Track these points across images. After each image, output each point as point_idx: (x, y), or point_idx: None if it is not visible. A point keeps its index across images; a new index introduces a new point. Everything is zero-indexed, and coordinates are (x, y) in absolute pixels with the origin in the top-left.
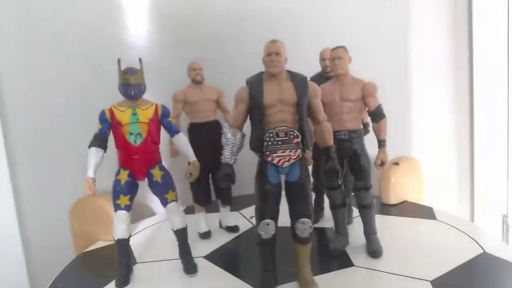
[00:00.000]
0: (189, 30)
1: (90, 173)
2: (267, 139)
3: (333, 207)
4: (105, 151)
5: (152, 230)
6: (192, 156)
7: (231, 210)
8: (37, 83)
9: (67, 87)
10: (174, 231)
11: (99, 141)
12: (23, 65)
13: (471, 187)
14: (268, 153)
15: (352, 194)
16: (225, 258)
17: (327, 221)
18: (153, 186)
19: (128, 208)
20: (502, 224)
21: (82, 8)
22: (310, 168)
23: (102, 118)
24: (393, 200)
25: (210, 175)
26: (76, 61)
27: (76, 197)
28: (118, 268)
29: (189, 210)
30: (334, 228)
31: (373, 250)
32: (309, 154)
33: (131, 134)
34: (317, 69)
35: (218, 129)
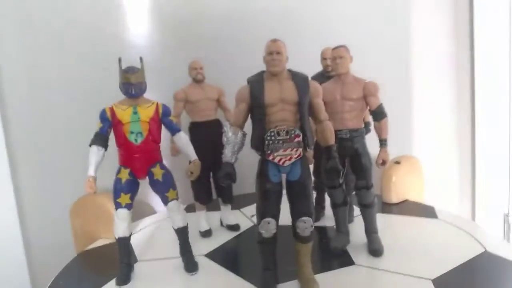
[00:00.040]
0: (189, 29)
1: (91, 172)
2: (268, 138)
3: (334, 206)
4: (105, 150)
5: (153, 229)
6: (193, 155)
7: (232, 209)
8: (38, 83)
9: (68, 86)
10: (175, 229)
11: (100, 139)
12: (24, 64)
13: (472, 186)
14: (269, 152)
15: (353, 193)
16: (226, 257)
17: (328, 220)
18: (154, 185)
19: (129, 206)
20: (503, 223)
21: (83, 8)
22: (311, 167)
23: (103, 116)
24: (394, 199)
25: (211, 173)
26: (76, 61)
27: (77, 196)
28: (119, 267)
29: (190, 209)
30: (335, 227)
31: (374, 249)
32: (310, 153)
33: (132, 133)
34: (318, 68)
35: (219, 128)
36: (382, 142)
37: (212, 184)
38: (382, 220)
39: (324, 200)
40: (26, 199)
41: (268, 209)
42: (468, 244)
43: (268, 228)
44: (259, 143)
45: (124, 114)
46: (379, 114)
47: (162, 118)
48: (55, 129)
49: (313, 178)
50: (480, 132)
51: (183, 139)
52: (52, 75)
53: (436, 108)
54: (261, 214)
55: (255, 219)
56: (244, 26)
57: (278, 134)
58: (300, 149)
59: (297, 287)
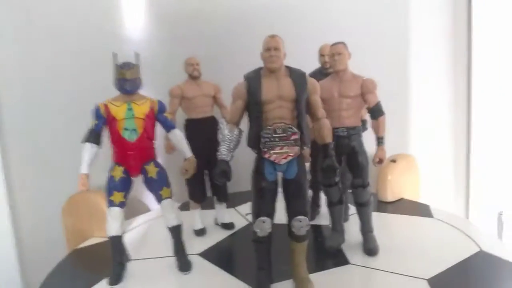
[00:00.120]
0: (186, 25)
1: (84, 169)
2: (265, 135)
3: (330, 204)
4: (99, 147)
5: (146, 227)
6: (188, 152)
7: (227, 207)
8: (32, 80)
9: (62, 83)
10: (168, 228)
11: (93, 136)
12: (18, 62)
13: (467, 185)
14: (265, 149)
15: (349, 191)
16: (220, 256)
17: (323, 218)
18: (148, 183)
19: (122, 204)
20: (497, 221)
21: (79, 3)
22: (307, 165)
23: (96, 113)
24: (390, 198)
25: (206, 171)
26: (71, 58)
27: (69, 194)
28: (111, 265)
29: (184, 207)
30: (330, 225)
31: (370, 248)
32: (306, 151)
33: (126, 129)
34: (316, 65)
35: (215, 125)
36: (379, 140)
37: (207, 182)
38: (377, 219)
39: (319, 198)
40: (18, 197)
41: (263, 207)
42: (463, 243)
43: (263, 227)
44: (255, 141)
45: (119, 110)
46: (376, 111)
47: (157, 115)
48: (48, 126)
49: (309, 176)
50: (475, 131)
51: (178, 136)
52: (46, 73)
53: (432, 107)
54: (256, 213)
55: (250, 217)
56: (241, 22)
57: (275, 131)
58: (297, 147)
59: (291, 286)
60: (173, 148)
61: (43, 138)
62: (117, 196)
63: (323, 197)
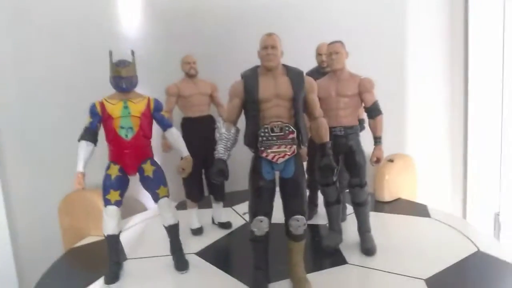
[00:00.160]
0: (183, 23)
1: (80, 168)
2: (262, 134)
3: (327, 204)
4: (95, 145)
5: (143, 226)
6: (185, 151)
7: (224, 206)
8: (27, 79)
9: (57, 82)
10: (165, 227)
11: (89, 134)
12: (13, 60)
13: (464, 185)
14: (262, 148)
15: (347, 191)
16: (217, 255)
17: (321, 218)
18: (145, 181)
19: (118, 203)
20: (493, 222)
21: (75, 1)
22: (304, 164)
23: (92, 111)
24: (387, 197)
25: (203, 170)
26: (67, 56)
27: (65, 192)
28: (107, 264)
29: (181, 206)
30: (327, 225)
31: (367, 248)
32: (304, 150)
33: (122, 128)
34: (314, 64)
35: (212, 124)
36: (377, 140)
37: (204, 181)
38: (375, 219)
39: (317, 198)
40: (14, 195)
41: (260, 207)
42: (461, 244)
43: (261, 226)
44: (252, 140)
45: (115, 108)
46: (374, 111)
47: (153, 113)
48: (43, 125)
49: (306, 175)
50: (472, 132)
51: (175, 135)
52: (42, 71)
53: (429, 107)
54: (254, 212)
55: (247, 217)
56: (239, 21)
57: (272, 130)
58: (294, 146)
59: (289, 286)
60: (170, 147)
61: (38, 136)
62: (114, 195)
63: (320, 197)
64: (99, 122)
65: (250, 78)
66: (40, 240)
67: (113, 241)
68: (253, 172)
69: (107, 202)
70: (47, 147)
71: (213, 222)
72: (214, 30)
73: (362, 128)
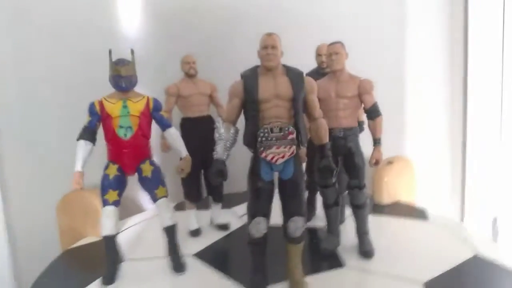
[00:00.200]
0: (183, 23)
1: (78, 167)
2: (261, 134)
3: (326, 206)
4: (93, 144)
5: (141, 227)
6: (184, 151)
7: (223, 208)
8: (27, 79)
9: (57, 82)
10: (163, 228)
11: (88, 134)
12: (13, 60)
13: (462, 189)
14: (262, 149)
15: (345, 192)
16: (215, 257)
17: (319, 220)
18: (143, 182)
19: (116, 203)
20: (492, 226)
21: (75, 1)
22: (304, 165)
23: (91, 110)
24: (386, 200)
25: (202, 171)
26: (66, 55)
27: (63, 192)
28: (105, 265)
29: (179, 207)
30: (326, 227)
31: (365, 251)
32: (303, 151)
33: (121, 127)
34: (312, 65)
35: (211, 124)
36: (376, 141)
37: (203, 181)
38: (373, 221)
39: (315, 200)
40: (12, 195)
41: (259, 208)
42: (459, 248)
43: (259, 228)
44: (251, 140)
45: (114, 107)
46: (373, 112)
47: (152, 113)
48: (42, 125)
49: (305, 177)
50: (471, 135)
51: (174, 135)
52: (41, 71)
53: (429, 109)
54: (252, 214)
55: (245, 218)
56: (239, 21)
57: (272, 131)
58: (294, 147)
59: None
60: (169, 147)
61: (37, 136)
62: (112, 195)
63: (319, 199)
64: (98, 121)
65: (250, 78)
66: (38, 240)
67: (111, 241)
68: (252, 173)
69: (105, 202)
70: (46, 147)
71: (211, 223)
72: (214, 30)
73: (361, 129)
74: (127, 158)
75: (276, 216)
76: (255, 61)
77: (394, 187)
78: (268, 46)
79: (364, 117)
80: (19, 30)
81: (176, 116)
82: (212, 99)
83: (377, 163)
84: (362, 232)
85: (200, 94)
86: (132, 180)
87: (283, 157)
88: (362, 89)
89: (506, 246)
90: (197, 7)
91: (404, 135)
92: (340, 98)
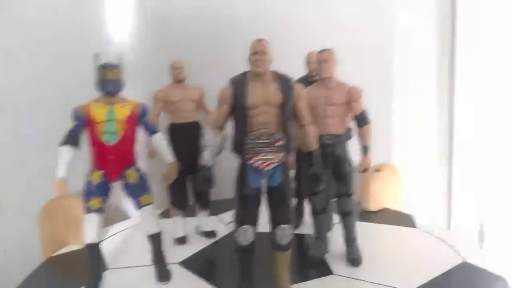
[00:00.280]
0: (173, 28)
1: (60, 173)
2: (249, 141)
3: (313, 213)
4: (77, 150)
5: (125, 235)
6: (170, 157)
7: (210, 215)
8: (10, 83)
9: (41, 86)
10: (148, 236)
11: (71, 139)
12: None
13: (449, 196)
14: (249, 156)
15: (333, 200)
16: (201, 265)
17: (307, 227)
18: (128, 188)
19: (99, 211)
20: (478, 233)
21: (65, 5)
22: (292, 173)
23: (75, 115)
24: (373, 207)
25: (189, 177)
26: (52, 62)
27: (46, 199)
28: (88, 274)
29: (165, 214)
30: (314, 234)
31: (353, 258)
32: (291, 158)
33: (106, 133)
34: (302, 73)
35: (199, 130)
36: (365, 149)
37: (189, 188)
38: (360, 229)
39: (303, 207)
40: None
41: (246, 215)
42: (447, 254)
43: (246, 235)
44: (239, 147)
45: (99, 112)
46: (362, 120)
47: (139, 118)
48: (24, 129)
49: (294, 183)
50: (458, 143)
51: (161, 140)
52: (27, 75)
53: (416, 117)
54: (239, 221)
55: (232, 225)
56: (229, 27)
57: (260, 137)
58: (282, 154)
59: None
60: (155, 154)
61: (19, 141)
62: (95, 202)
63: (307, 206)
64: (82, 126)
65: (239, 84)
66: (19, 248)
67: (94, 250)
68: (239, 180)
69: (88, 210)
70: (28, 152)
71: (197, 230)
72: (204, 35)
73: (348, 137)
74: (112, 164)
75: (264, 223)
76: (245, 67)
77: (381, 194)
78: (258, 52)
79: (352, 124)
80: (7, 37)
81: (163, 122)
82: (200, 104)
83: (365, 170)
84: (350, 239)
85: (188, 100)
86: (116, 187)
87: (270, 164)
88: (351, 96)
89: (493, 252)
90: (187, 13)
91: (391, 142)
92: (329, 105)
